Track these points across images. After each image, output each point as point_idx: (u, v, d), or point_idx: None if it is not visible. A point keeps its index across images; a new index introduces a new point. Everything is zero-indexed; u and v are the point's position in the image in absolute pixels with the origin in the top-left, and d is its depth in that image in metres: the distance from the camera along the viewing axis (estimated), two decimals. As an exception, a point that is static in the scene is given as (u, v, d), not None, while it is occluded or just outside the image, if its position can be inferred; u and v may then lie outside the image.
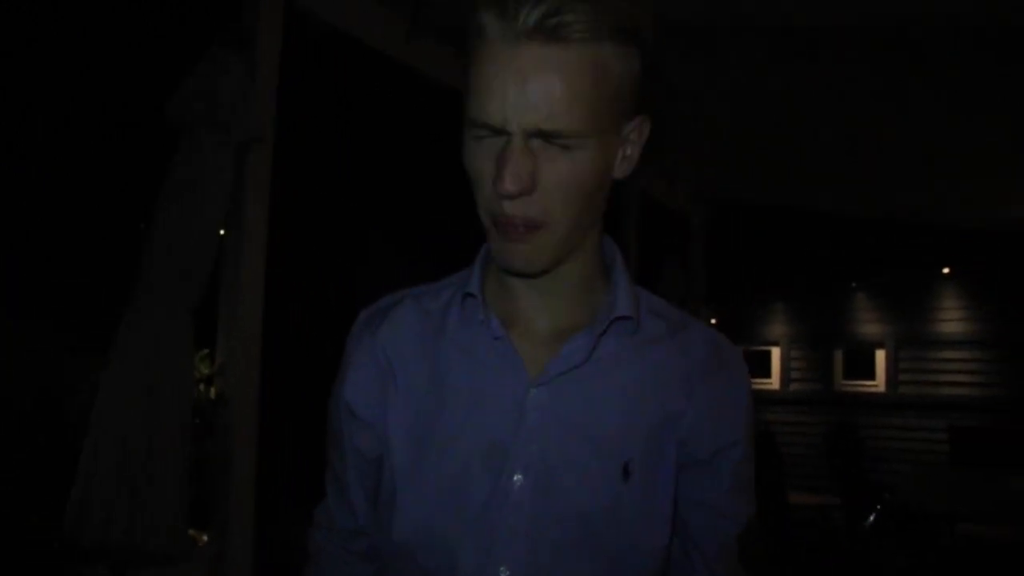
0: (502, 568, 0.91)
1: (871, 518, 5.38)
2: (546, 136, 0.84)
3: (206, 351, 2.79)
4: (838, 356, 9.40)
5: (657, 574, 0.96)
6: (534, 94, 0.82)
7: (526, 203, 0.86)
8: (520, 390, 0.94)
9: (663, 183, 6.70)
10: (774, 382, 9.73)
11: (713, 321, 9.89)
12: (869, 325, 9.24)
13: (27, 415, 2.66)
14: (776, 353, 9.74)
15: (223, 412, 2.84)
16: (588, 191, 0.88)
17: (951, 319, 8.69)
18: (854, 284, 9.29)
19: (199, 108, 2.33)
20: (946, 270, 8.59)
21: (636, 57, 0.87)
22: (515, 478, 0.92)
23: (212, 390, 2.81)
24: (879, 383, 9.09)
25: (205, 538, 2.82)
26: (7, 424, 2.64)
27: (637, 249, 6.30)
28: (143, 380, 2.32)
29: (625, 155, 0.93)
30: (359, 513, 1.08)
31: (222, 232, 2.62)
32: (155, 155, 2.45)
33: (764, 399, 9.70)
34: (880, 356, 9.11)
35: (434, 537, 0.93)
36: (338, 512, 1.11)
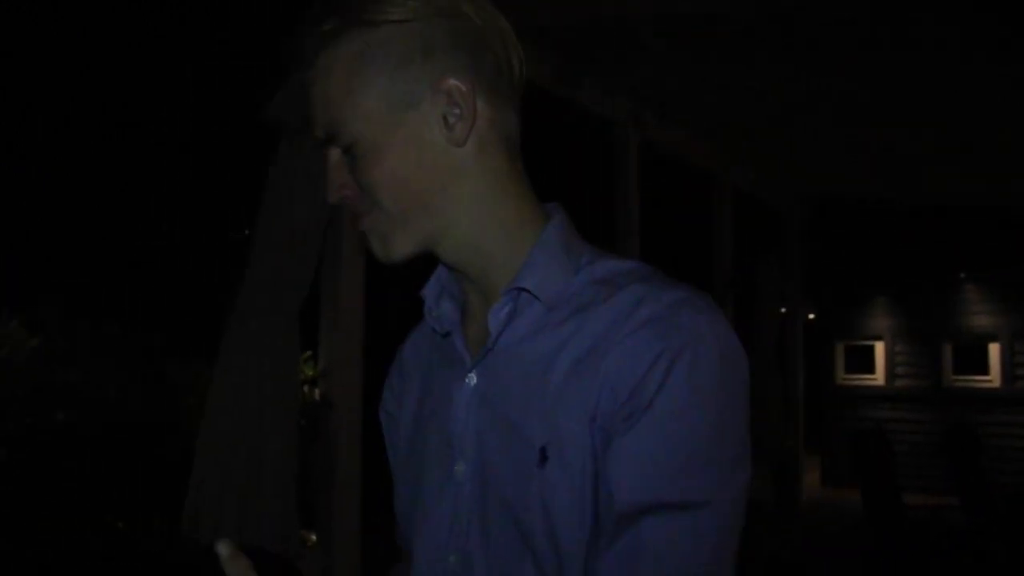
0: (452, 555, 0.92)
1: (994, 518, 5.12)
2: (332, 144, 0.90)
3: (309, 353, 2.83)
4: (947, 350, 9.02)
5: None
6: (314, 107, 0.90)
7: (356, 203, 0.92)
8: (461, 380, 0.94)
9: (757, 178, 6.56)
10: (878, 378, 9.40)
11: (811, 316, 9.65)
12: (980, 317, 8.84)
13: (140, 420, 2.73)
14: (880, 348, 9.41)
15: (327, 414, 2.88)
16: (398, 177, 0.89)
17: (1072, 309, 8.27)
18: (962, 275, 8.91)
19: (299, 111, 2.36)
20: (1064, 258, 8.17)
21: (384, 40, 0.87)
22: (458, 467, 0.92)
23: (316, 392, 2.85)
24: (993, 378, 8.69)
25: (313, 538, 2.87)
26: (122, 430, 2.72)
27: (731, 246, 6.18)
28: (250, 382, 2.36)
29: (448, 124, 0.88)
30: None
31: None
32: (259, 159, 2.50)
33: (868, 395, 9.39)
34: (994, 350, 8.71)
35: (408, 527, 1.00)
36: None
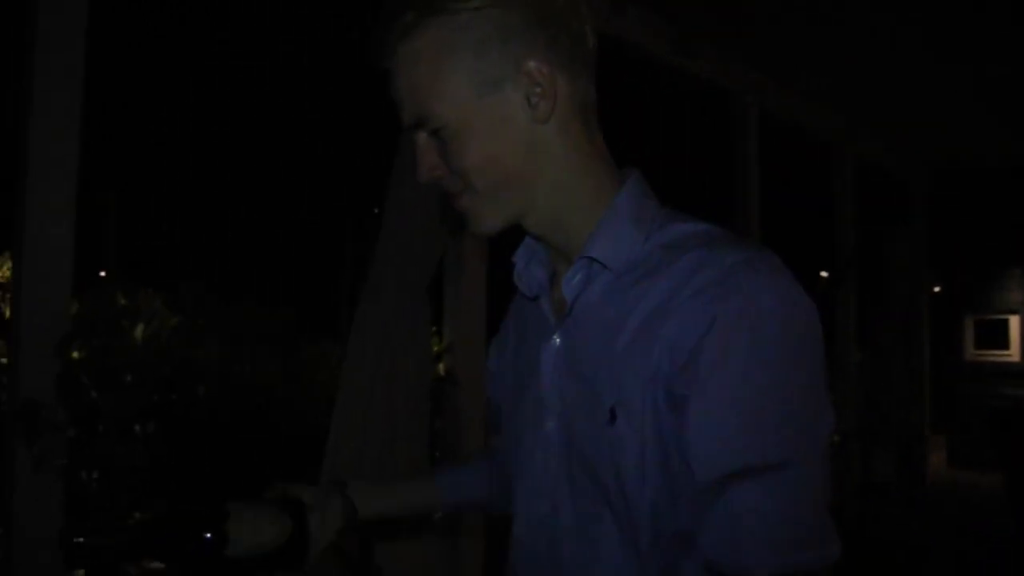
0: (544, 504, 1.00)
1: None
2: (420, 128, 0.94)
3: (434, 329, 2.87)
4: (1089, 323, 8.47)
5: (667, 531, 0.88)
6: (398, 92, 0.94)
7: (446, 182, 0.97)
8: (547, 341, 1.01)
9: (882, 147, 6.29)
10: (1013, 353, 8.90)
11: (937, 289, 9.21)
12: None
13: (276, 397, 2.83)
14: (1015, 322, 8.90)
15: (452, 389, 2.92)
16: (488, 158, 0.93)
17: None
18: (1107, 243, 8.34)
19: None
20: None
21: (463, 27, 0.90)
22: (548, 424, 0.99)
23: (441, 367, 2.89)
24: None
25: (439, 514, 2.91)
26: (259, 408, 2.82)
27: (853, 219, 5.95)
28: (383, 357, 2.41)
29: (533, 104, 0.92)
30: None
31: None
32: (387, 137, 2.53)
33: (1001, 372, 8.91)
34: None
35: (510, 475, 1.08)
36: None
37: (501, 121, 0.92)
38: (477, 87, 0.91)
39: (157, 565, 2.11)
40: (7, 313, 2.59)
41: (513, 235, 1.13)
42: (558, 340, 0.99)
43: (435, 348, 2.85)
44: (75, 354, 2.23)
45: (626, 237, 0.95)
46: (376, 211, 2.57)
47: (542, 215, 0.98)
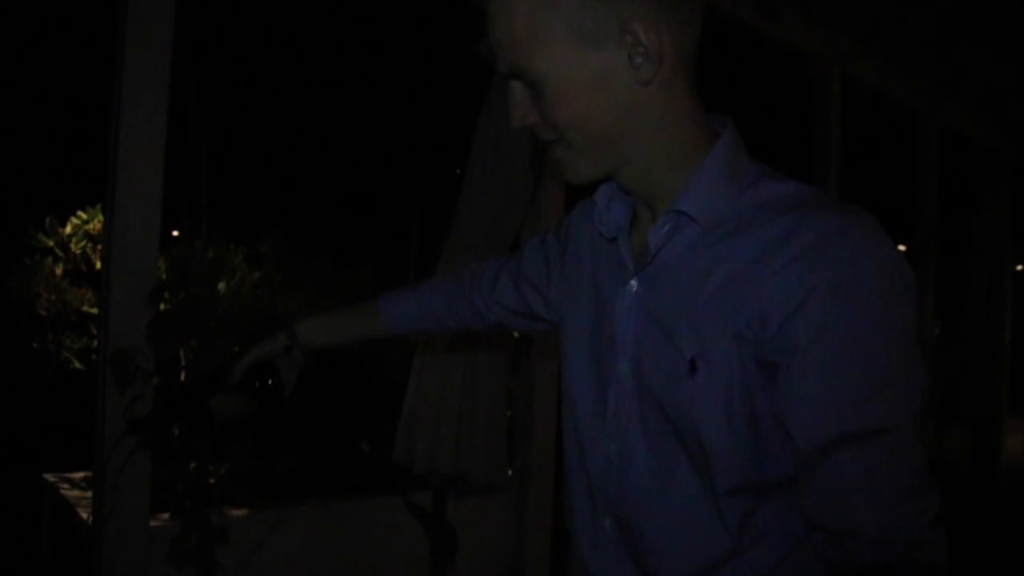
0: (613, 444, 1.01)
1: None
2: (517, 78, 0.92)
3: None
4: None
5: (752, 488, 0.92)
6: (496, 41, 0.91)
7: (540, 131, 0.95)
8: (623, 284, 1.01)
9: (967, 115, 6.05)
10: (1100, 336, 8.57)
11: (1020, 268, 8.89)
12: None
13: (354, 353, 2.86)
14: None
15: (527, 350, 2.92)
16: (587, 115, 0.91)
17: None
18: None
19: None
20: None
21: None
22: (621, 365, 1.00)
23: (516, 332, 2.89)
24: None
25: (509, 473, 2.94)
26: (343, 363, 2.86)
27: (936, 190, 5.76)
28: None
29: (635, 63, 0.89)
30: (482, 294, 1.36)
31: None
32: (470, 97, 2.52)
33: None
34: None
35: (576, 405, 1.08)
36: (482, 274, 1.38)
37: (601, 80, 0.90)
38: (578, 43, 0.88)
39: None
40: (98, 265, 2.67)
41: (588, 191, 1.15)
42: (636, 285, 1.00)
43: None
44: (163, 305, 2.29)
45: (719, 192, 0.94)
46: (457, 171, 2.57)
47: (635, 169, 0.97)
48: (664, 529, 0.97)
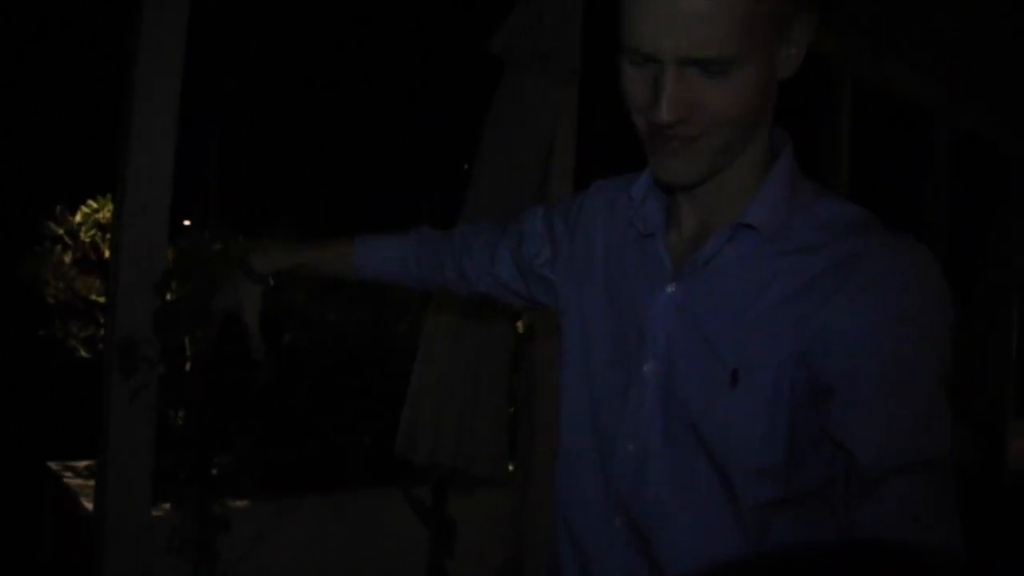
0: (631, 443, 0.98)
1: None
2: (701, 64, 0.82)
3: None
4: None
5: (777, 499, 0.90)
6: (685, 19, 0.79)
7: (684, 125, 0.86)
8: (661, 283, 0.98)
9: (982, 119, 6.02)
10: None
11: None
12: None
13: (360, 344, 2.86)
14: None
15: (530, 346, 2.92)
16: (751, 107, 0.86)
17: None
18: None
19: (525, 41, 2.35)
20: None
21: None
22: (648, 366, 0.97)
23: (520, 324, 2.89)
24: None
25: (511, 467, 2.94)
26: (345, 354, 2.86)
27: (947, 196, 5.73)
28: (467, 312, 2.42)
29: (789, 55, 0.88)
30: (474, 262, 1.29)
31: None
32: (479, 91, 2.52)
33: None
34: None
35: (596, 399, 1.04)
36: (475, 239, 1.30)
37: (770, 74, 0.87)
38: (776, 30, 0.84)
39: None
40: (106, 254, 2.68)
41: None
42: (674, 287, 0.97)
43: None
44: (169, 295, 2.30)
45: (782, 206, 0.92)
46: (466, 167, 2.57)
47: (724, 173, 0.94)
48: (680, 532, 0.95)
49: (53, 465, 2.83)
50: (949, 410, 0.86)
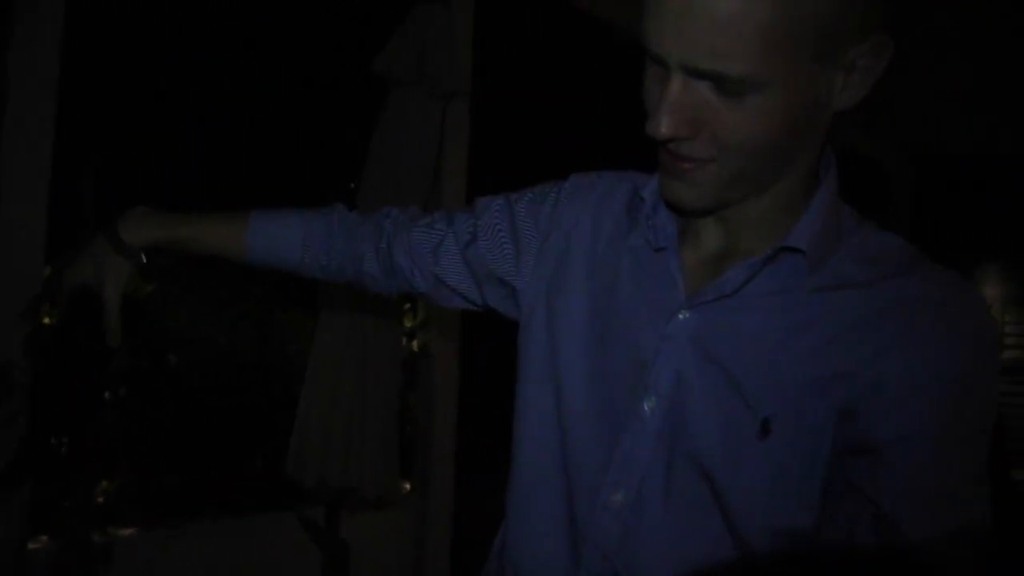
0: (618, 492, 0.85)
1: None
2: (712, 79, 0.70)
3: (408, 306, 2.88)
4: (1063, 321, 8.54)
5: (791, 537, 0.80)
6: (697, 21, 0.67)
7: (689, 144, 0.74)
8: (670, 309, 0.84)
9: (860, 132, 6.29)
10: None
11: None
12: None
13: (249, 366, 2.83)
14: (990, 318, 8.98)
15: (426, 365, 2.92)
16: (774, 139, 0.73)
17: None
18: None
19: (408, 62, 2.36)
20: None
21: None
22: (648, 403, 0.84)
23: (415, 343, 2.89)
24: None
25: (408, 486, 2.93)
26: (233, 377, 2.82)
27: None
28: (353, 332, 2.41)
29: (848, 83, 0.74)
30: (410, 255, 1.07)
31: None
32: (363, 112, 2.52)
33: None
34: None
35: (567, 441, 0.89)
36: (410, 225, 1.09)
37: (818, 100, 0.74)
38: (821, 52, 0.70)
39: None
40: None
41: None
42: (687, 315, 0.83)
43: (409, 324, 2.86)
44: (46, 319, 2.22)
45: (830, 234, 0.81)
46: (352, 186, 2.57)
47: (753, 200, 0.82)
48: None
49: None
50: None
